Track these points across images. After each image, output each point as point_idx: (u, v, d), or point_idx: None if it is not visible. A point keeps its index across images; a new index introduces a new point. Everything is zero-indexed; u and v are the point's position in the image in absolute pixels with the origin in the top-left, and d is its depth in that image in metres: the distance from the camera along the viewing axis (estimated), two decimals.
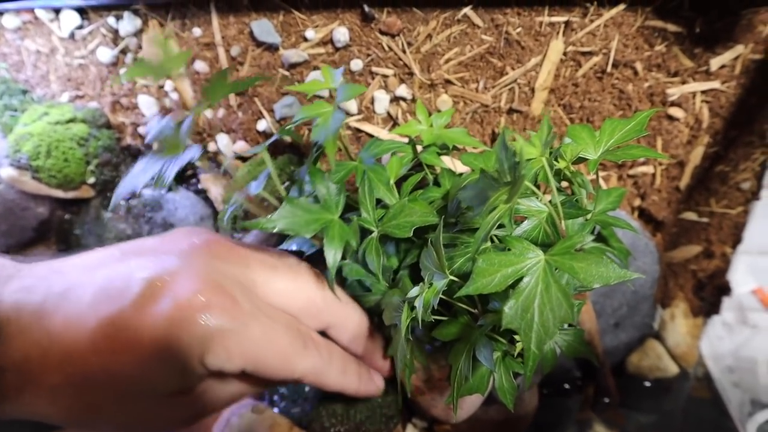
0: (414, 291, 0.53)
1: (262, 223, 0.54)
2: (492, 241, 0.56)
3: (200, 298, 0.44)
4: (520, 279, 0.46)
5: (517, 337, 0.56)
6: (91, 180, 0.80)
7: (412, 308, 0.54)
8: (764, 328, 0.88)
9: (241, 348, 0.46)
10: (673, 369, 0.85)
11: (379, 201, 0.60)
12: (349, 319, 0.60)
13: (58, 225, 0.85)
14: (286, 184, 0.62)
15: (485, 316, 0.55)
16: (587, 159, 0.52)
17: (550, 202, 0.51)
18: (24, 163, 0.75)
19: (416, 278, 0.62)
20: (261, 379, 0.51)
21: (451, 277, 0.51)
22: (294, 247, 0.59)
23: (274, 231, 0.53)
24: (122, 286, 0.44)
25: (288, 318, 0.53)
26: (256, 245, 0.60)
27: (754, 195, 0.78)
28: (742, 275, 0.86)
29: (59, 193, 0.79)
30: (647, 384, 0.86)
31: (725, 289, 0.84)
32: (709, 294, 0.85)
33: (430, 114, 0.64)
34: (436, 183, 0.67)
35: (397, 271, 0.63)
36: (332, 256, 0.55)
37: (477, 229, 0.55)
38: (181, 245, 0.50)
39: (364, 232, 0.61)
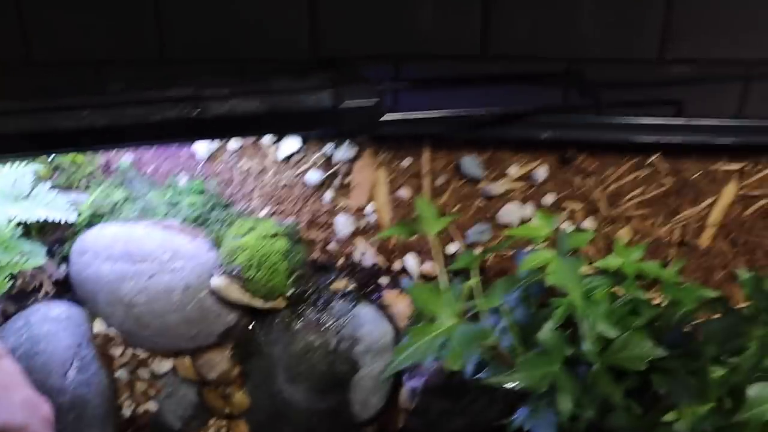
0: (670, 416, 0.59)
1: (504, 380, 0.61)
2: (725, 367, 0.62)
3: None
4: None
5: None
6: (289, 292, 0.85)
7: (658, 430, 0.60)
8: None
9: None
10: None
11: None
12: None
13: (241, 332, 0.88)
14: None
15: None
16: None
17: None
18: (236, 274, 0.81)
19: (641, 403, 0.67)
20: None
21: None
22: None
23: (514, 388, 0.60)
24: None
25: None
26: None
27: None
28: None
29: (259, 303, 0.83)
30: None
31: None
32: None
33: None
34: (634, 312, 0.74)
35: None
36: (566, 405, 0.62)
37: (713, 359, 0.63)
38: None
39: (580, 362, 0.67)
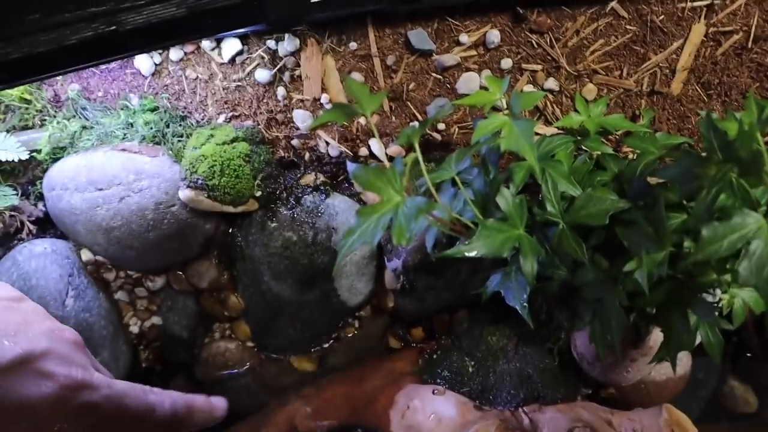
0: (630, 265, 0.59)
1: (463, 250, 0.60)
2: (686, 212, 0.62)
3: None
4: (748, 243, 0.52)
5: (724, 296, 0.62)
6: (258, 193, 0.86)
7: (623, 281, 0.61)
8: None
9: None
10: None
11: None
12: None
13: (221, 239, 0.90)
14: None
15: (698, 280, 0.60)
16: None
17: None
18: (200, 184, 0.81)
19: (608, 256, 0.68)
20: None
21: (671, 249, 0.57)
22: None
23: (473, 256, 0.59)
24: None
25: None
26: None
27: None
28: None
29: (230, 209, 0.84)
30: None
31: None
32: None
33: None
34: (598, 167, 0.73)
35: None
36: (530, 268, 0.62)
37: (676, 205, 0.62)
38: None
39: (548, 225, 0.66)
